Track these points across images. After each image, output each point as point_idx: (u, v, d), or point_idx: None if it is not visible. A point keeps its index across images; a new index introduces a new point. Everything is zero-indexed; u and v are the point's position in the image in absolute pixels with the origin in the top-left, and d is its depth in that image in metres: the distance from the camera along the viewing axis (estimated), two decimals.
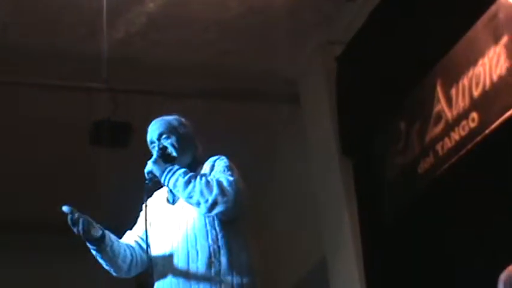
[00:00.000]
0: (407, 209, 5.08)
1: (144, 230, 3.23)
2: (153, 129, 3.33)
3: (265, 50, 6.23)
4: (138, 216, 3.40)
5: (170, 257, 3.15)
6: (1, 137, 6.64)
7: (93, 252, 3.21)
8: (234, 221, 3.12)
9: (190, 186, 3.06)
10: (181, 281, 3.08)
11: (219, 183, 3.04)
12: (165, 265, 3.17)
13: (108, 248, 3.18)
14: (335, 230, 5.92)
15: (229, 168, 3.16)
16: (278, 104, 6.81)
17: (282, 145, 7.23)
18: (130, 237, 3.35)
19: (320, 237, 6.14)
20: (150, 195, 3.37)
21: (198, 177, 3.08)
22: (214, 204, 3.02)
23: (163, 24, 5.86)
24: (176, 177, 3.10)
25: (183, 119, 3.42)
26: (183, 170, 3.13)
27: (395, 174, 5.24)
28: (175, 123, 3.36)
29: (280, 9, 5.80)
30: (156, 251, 3.25)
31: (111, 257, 3.21)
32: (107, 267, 3.28)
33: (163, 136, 3.29)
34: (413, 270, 4.99)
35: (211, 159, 3.24)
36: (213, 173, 3.16)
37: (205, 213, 3.06)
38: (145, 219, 3.20)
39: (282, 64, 6.42)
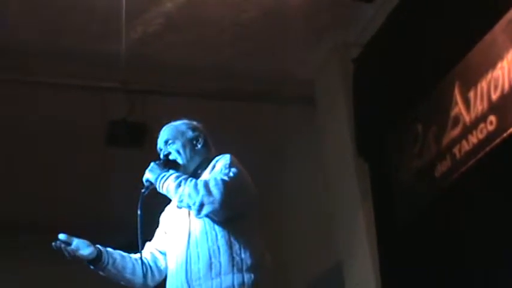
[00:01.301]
0: (423, 212, 5.05)
1: (140, 239, 3.23)
2: (161, 136, 3.38)
3: (280, 52, 6.22)
4: (151, 219, 3.40)
5: (177, 261, 3.17)
6: (15, 136, 6.66)
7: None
8: (231, 220, 3.09)
9: (180, 189, 3.06)
10: (184, 283, 3.09)
11: (206, 185, 3.02)
12: (173, 270, 3.19)
13: (109, 266, 3.26)
14: (350, 232, 5.89)
15: (227, 166, 3.13)
16: (292, 105, 6.80)
17: (296, 146, 7.21)
18: (147, 249, 3.39)
19: (335, 240, 6.12)
20: (167, 206, 3.38)
21: (188, 180, 3.08)
22: (201, 205, 3.01)
23: (180, 25, 5.86)
24: (168, 182, 3.11)
25: (193, 123, 3.44)
26: (175, 174, 3.14)
27: (412, 177, 5.21)
28: (182, 128, 3.38)
29: (296, 10, 5.78)
30: (168, 257, 3.27)
31: (115, 273, 3.29)
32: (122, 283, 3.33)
33: (169, 142, 3.33)
34: (428, 273, 4.96)
35: (215, 159, 3.24)
36: (211, 174, 3.15)
37: (196, 215, 3.06)
38: (139, 228, 3.19)
39: (298, 66, 6.42)
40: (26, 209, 7.62)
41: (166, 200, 3.34)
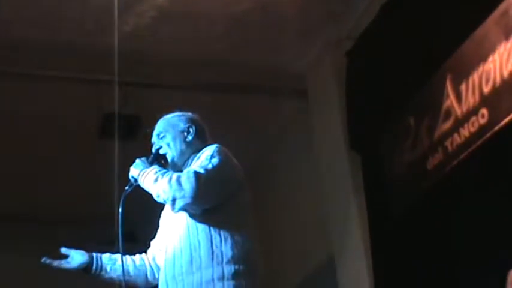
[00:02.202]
0: (415, 205, 5.07)
1: (120, 236, 3.21)
2: (154, 130, 3.37)
3: (274, 45, 6.22)
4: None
5: (166, 257, 3.18)
6: (10, 129, 6.65)
7: None
8: (211, 212, 3.07)
9: (157, 185, 3.05)
10: (170, 279, 3.10)
11: (178, 179, 3.00)
12: (163, 266, 3.20)
13: (102, 272, 3.31)
14: (343, 226, 5.91)
15: (208, 158, 3.11)
16: (286, 98, 6.81)
17: (289, 140, 7.22)
18: (151, 247, 3.43)
19: (328, 233, 6.14)
20: None
21: (165, 174, 3.06)
22: (174, 200, 3.00)
23: (173, 18, 5.86)
24: (148, 178, 3.10)
25: (187, 114, 3.41)
26: (155, 169, 3.11)
27: (404, 170, 5.23)
28: (173, 120, 3.36)
29: (290, 3, 5.79)
30: (162, 254, 3.29)
31: (111, 276, 3.34)
32: None
33: (161, 136, 3.32)
34: (421, 267, 4.98)
35: (202, 150, 3.21)
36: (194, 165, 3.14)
37: (172, 210, 3.06)
38: (120, 226, 3.18)
39: (291, 59, 6.42)
40: (24, 202, 7.63)
41: None
